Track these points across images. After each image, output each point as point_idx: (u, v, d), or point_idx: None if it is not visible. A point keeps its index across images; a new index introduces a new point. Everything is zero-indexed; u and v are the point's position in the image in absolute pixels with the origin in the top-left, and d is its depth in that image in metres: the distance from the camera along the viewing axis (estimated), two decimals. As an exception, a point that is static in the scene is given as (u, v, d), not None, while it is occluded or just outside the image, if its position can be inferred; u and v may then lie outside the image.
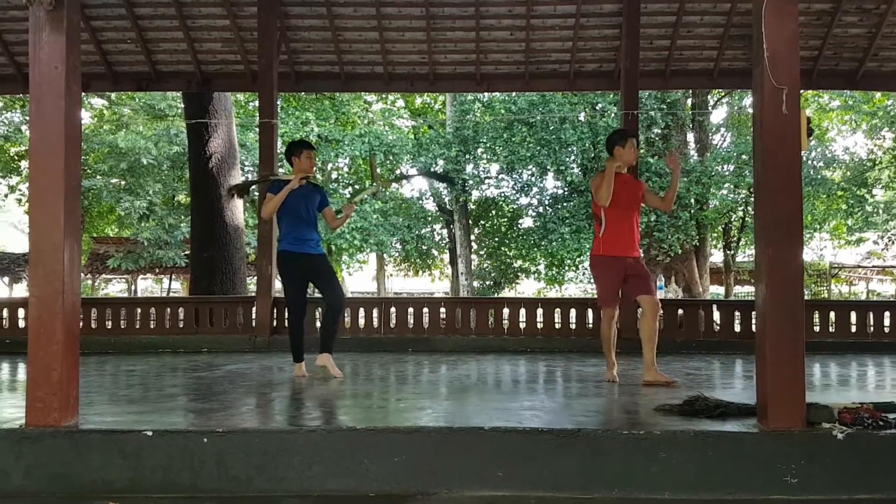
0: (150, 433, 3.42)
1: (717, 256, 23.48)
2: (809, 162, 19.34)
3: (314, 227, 5.83)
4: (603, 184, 5.22)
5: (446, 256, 25.22)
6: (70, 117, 3.66)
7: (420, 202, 23.70)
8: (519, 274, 22.23)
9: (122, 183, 19.78)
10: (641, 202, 5.52)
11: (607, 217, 5.32)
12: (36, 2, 3.55)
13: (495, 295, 21.45)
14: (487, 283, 22.62)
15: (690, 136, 19.87)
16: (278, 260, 5.79)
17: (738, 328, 8.14)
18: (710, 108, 20.15)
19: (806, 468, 3.34)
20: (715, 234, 21.48)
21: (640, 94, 8.43)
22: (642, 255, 5.55)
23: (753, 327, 7.87)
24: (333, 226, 6.11)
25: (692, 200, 17.82)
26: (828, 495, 3.32)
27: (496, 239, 22.53)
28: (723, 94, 20.19)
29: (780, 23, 3.52)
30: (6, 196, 21.88)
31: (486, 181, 20.58)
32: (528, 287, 27.24)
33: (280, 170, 9.11)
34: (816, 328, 8.16)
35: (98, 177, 19.23)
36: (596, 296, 5.53)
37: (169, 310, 8.50)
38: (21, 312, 8.52)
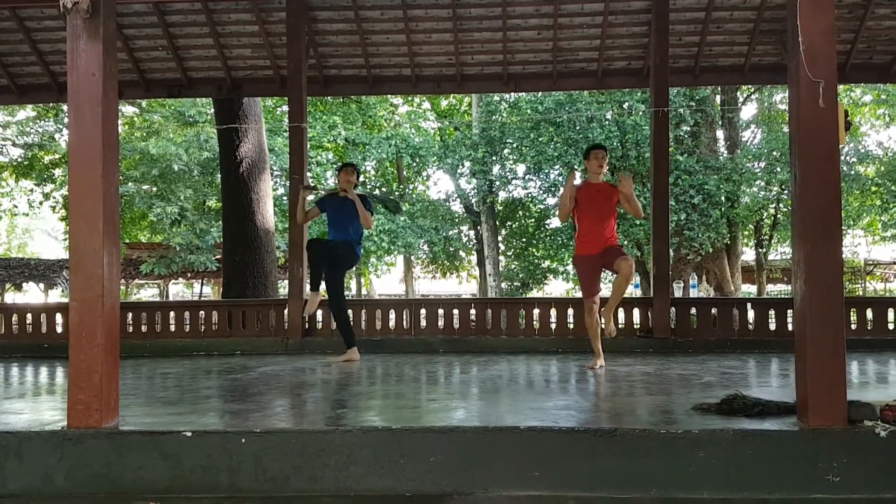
0: (188, 434, 3.46)
1: (748, 255, 23.19)
2: (843, 157, 18.97)
3: (344, 228, 6.93)
4: (560, 201, 6.17)
5: (474, 258, 25.20)
6: (107, 123, 3.72)
7: (447, 204, 23.72)
8: (547, 274, 22.12)
9: (154, 189, 20.05)
10: (615, 207, 6.16)
11: (579, 222, 6.13)
12: (73, 10, 3.61)
13: (524, 296, 21.36)
14: (515, 283, 22.53)
15: (720, 133, 19.63)
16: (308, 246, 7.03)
17: (772, 326, 8.03)
18: (739, 104, 19.90)
19: (848, 466, 3.29)
20: (746, 232, 21.20)
21: (669, 91, 8.35)
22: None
23: (789, 326, 7.79)
24: (364, 223, 6.92)
25: (723, 198, 17.60)
26: (871, 494, 3.26)
27: (524, 240, 22.45)
28: (752, 90, 19.93)
29: (816, 15, 3.47)
30: (41, 204, 22.27)
31: (513, 182, 20.53)
32: (556, 288, 27.10)
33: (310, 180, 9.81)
34: (853, 326, 8.04)
35: (130, 183, 19.52)
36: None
37: (202, 313, 8.60)
38: (58, 317, 8.68)
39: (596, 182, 6.14)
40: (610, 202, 6.10)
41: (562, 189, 6.36)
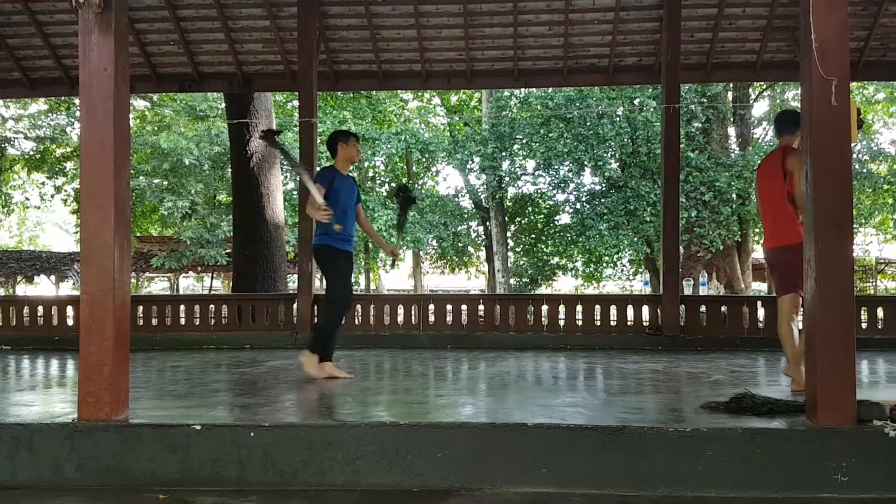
0: (198, 427, 3.48)
1: (759, 252, 23.04)
2: (855, 155, 18.86)
3: (351, 219, 5.50)
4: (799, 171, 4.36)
5: (482, 254, 25.16)
6: (119, 118, 3.73)
7: (456, 199, 23.69)
8: (556, 271, 22.07)
9: (165, 183, 20.14)
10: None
11: (796, 203, 4.56)
12: (85, 5, 3.62)
13: (532, 292, 21.33)
14: (524, 280, 22.48)
15: (732, 130, 19.53)
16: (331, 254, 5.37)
17: (782, 325, 7.99)
18: (751, 101, 19.78)
19: (856, 466, 3.27)
20: (757, 230, 21.07)
21: (681, 87, 8.31)
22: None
23: (799, 324, 7.76)
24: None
25: (734, 195, 17.51)
26: (879, 493, 3.25)
27: (533, 236, 22.40)
28: (764, 86, 19.81)
29: (829, 12, 3.44)
30: (52, 197, 22.40)
31: (523, 178, 20.46)
32: (565, 284, 27.02)
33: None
34: (864, 324, 7.99)
35: (141, 177, 19.60)
36: (782, 286, 4.80)
37: (212, 307, 8.64)
38: (69, 310, 8.73)
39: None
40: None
41: None
